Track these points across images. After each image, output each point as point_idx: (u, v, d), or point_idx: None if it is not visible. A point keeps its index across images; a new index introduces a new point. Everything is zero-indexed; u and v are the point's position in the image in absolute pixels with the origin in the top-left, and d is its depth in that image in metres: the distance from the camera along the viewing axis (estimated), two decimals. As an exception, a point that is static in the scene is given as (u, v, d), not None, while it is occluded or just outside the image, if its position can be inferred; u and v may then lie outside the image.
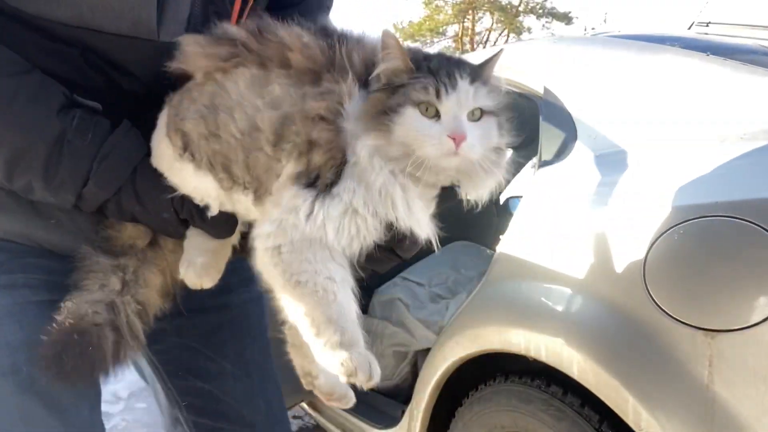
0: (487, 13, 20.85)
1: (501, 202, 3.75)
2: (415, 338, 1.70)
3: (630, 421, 0.87)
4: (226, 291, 0.84)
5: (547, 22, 20.73)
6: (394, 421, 1.63)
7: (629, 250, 0.93)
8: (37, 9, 0.64)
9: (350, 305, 0.60)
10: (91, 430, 0.74)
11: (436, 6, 20.54)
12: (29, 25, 0.65)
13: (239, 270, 0.83)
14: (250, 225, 0.70)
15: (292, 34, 0.63)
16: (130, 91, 0.72)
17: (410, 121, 0.57)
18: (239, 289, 0.89)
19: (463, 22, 20.82)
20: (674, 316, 0.84)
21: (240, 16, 0.74)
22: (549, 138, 1.23)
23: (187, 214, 0.67)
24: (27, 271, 0.72)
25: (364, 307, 2.06)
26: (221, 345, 0.86)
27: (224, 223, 0.69)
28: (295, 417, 2.64)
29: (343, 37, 0.63)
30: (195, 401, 0.86)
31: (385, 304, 1.90)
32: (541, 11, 20.47)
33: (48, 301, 0.70)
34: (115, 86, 0.71)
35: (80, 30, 0.66)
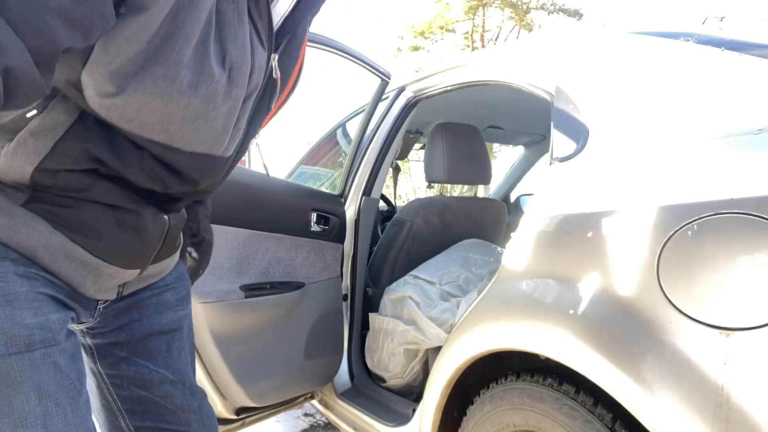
0: (498, 10, 20.75)
1: (512, 199, 3.75)
2: (426, 336, 1.71)
3: (643, 420, 0.87)
4: (168, 308, 0.96)
5: (558, 18, 20.60)
6: (406, 419, 1.63)
7: (643, 247, 0.92)
8: (130, 129, 0.69)
9: None
10: (88, 408, 0.78)
11: (447, 3, 20.48)
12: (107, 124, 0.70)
13: (178, 288, 0.97)
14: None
15: None
16: (171, 191, 0.81)
17: None
18: (176, 307, 0.98)
19: (474, 19, 20.74)
20: (688, 314, 0.84)
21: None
22: (561, 135, 1.22)
23: None
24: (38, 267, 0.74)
25: (375, 305, 2.07)
26: (154, 354, 0.95)
27: None
28: (306, 415, 2.66)
29: None
30: (137, 408, 0.94)
31: (396, 302, 1.91)
32: (551, 8, 20.34)
33: (52, 297, 0.74)
34: (159, 182, 0.78)
35: (159, 145, 0.72)
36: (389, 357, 1.84)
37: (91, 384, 0.94)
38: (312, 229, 1.89)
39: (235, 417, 1.75)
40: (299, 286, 1.80)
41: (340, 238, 2.00)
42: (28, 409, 0.67)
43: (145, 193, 0.79)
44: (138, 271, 0.86)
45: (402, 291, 1.89)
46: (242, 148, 0.85)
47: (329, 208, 1.96)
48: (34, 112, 0.68)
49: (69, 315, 0.77)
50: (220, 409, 1.69)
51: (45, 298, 0.73)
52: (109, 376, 0.93)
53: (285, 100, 0.93)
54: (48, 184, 0.71)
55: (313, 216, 1.90)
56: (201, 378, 1.60)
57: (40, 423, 0.68)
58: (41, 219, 0.72)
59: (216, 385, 1.63)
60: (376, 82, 1.99)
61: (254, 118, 0.84)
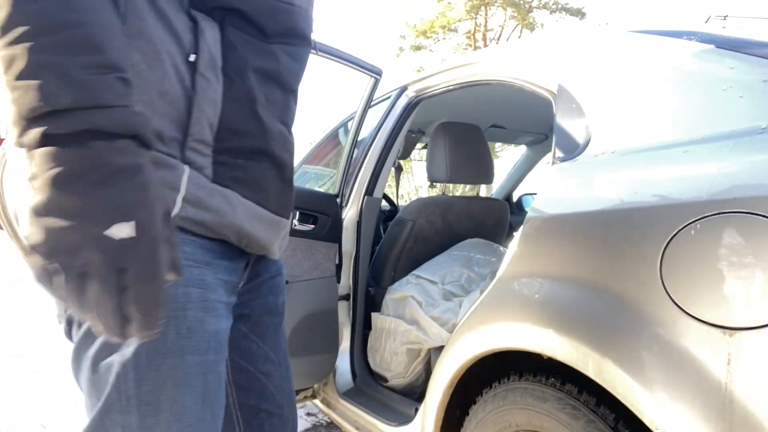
0: (500, 10, 20.73)
1: (515, 199, 3.74)
2: (428, 336, 1.71)
3: (646, 420, 0.87)
4: (280, 292, 0.96)
5: (560, 17, 20.57)
6: (408, 418, 1.63)
7: (646, 247, 0.92)
8: None
9: None
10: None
11: (449, 3, 20.47)
12: None
13: (282, 276, 0.98)
14: None
15: None
16: None
17: None
18: (283, 293, 0.99)
19: (476, 18, 20.72)
20: (692, 313, 0.83)
21: None
22: (563, 135, 1.22)
23: None
24: (219, 273, 0.75)
25: (377, 305, 2.07)
26: (266, 333, 0.94)
27: None
28: (309, 414, 2.66)
29: None
30: (244, 384, 0.93)
31: (398, 301, 1.91)
32: (554, 7, 20.32)
33: (227, 303, 0.76)
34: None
35: None
36: (391, 357, 1.84)
37: None
38: (295, 227, 1.88)
39: None
40: None
41: (333, 238, 1.98)
42: (194, 411, 0.69)
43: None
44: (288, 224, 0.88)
45: (404, 291, 1.89)
46: None
47: (316, 206, 1.95)
48: None
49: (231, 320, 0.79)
50: None
51: (225, 297, 0.75)
52: (229, 349, 0.92)
53: None
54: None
55: (295, 214, 1.90)
56: None
57: (197, 428, 0.70)
58: (230, 190, 0.73)
59: None
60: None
61: None
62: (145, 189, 0.52)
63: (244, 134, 0.74)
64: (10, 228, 1.51)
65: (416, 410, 1.58)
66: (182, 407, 0.68)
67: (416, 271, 1.99)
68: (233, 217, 0.73)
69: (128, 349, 0.65)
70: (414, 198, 2.75)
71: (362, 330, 2.11)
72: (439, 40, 20.96)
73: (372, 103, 2.08)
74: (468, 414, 1.34)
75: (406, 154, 2.99)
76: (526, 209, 3.56)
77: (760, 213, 0.78)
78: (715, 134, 0.95)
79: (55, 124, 0.48)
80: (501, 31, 21.10)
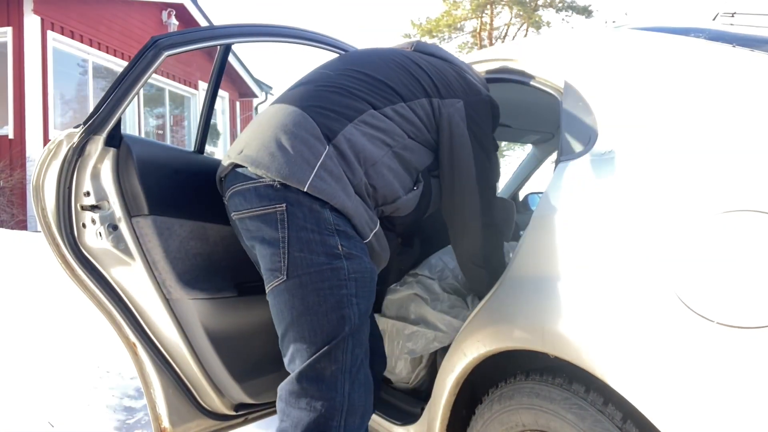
0: (506, 8, 20.68)
1: (521, 197, 3.73)
2: (440, 329, 1.67)
3: (653, 419, 0.86)
4: None
5: (566, 16, 20.50)
6: (414, 417, 1.63)
7: (652, 245, 0.92)
8: None
9: None
10: None
11: (454, 1, 20.44)
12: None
13: None
14: None
15: None
16: None
17: None
18: None
19: (482, 17, 20.68)
20: (699, 312, 0.83)
21: None
22: (570, 133, 1.21)
23: None
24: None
25: (378, 307, 2.06)
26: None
27: None
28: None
29: None
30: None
31: (401, 302, 1.88)
32: (560, 5, 20.25)
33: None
34: None
35: None
36: (395, 361, 1.83)
37: None
38: None
39: (234, 413, 1.75)
40: None
41: None
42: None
43: None
44: None
45: (406, 290, 1.87)
46: None
47: None
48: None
49: None
50: (218, 405, 1.69)
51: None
52: None
53: None
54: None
55: None
56: (197, 374, 1.61)
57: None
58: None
59: (212, 381, 1.64)
60: None
61: None
62: None
63: None
64: (48, 231, 1.53)
65: (422, 409, 1.58)
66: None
67: (414, 270, 1.97)
68: None
69: None
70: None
71: None
72: (444, 39, 20.93)
73: None
74: (474, 413, 1.34)
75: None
76: (533, 208, 3.56)
77: (766, 211, 0.78)
78: (723, 132, 0.95)
79: None
80: (507, 30, 21.05)
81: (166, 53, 1.40)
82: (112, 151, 1.42)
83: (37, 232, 6.79)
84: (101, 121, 1.38)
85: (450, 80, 1.39)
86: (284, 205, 1.15)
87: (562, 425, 1.07)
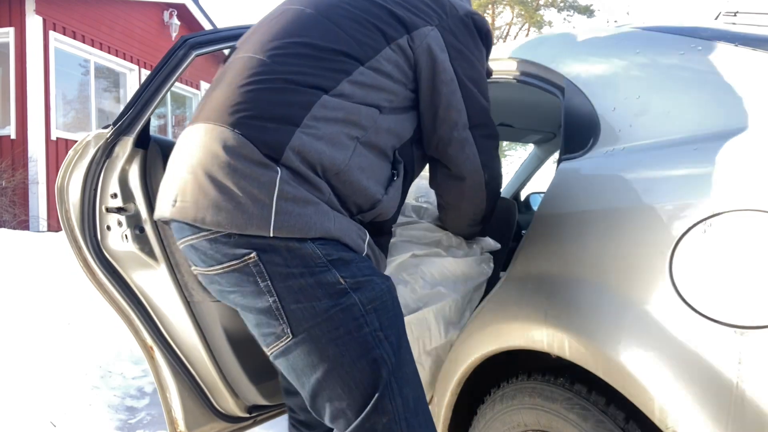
0: (507, 8, 20.67)
1: (523, 197, 3.73)
2: (475, 270, 1.45)
3: (656, 419, 0.86)
4: None
5: (568, 15, 20.48)
6: (416, 417, 1.63)
7: (655, 245, 0.91)
8: None
9: None
10: None
11: (456, 1, 20.37)
12: None
13: None
14: None
15: None
16: None
17: None
18: None
19: (484, 16, 20.65)
20: (702, 312, 0.83)
21: None
22: (572, 132, 1.21)
23: None
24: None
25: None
26: None
27: None
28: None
29: None
30: None
31: (400, 267, 1.66)
32: (562, 4, 20.24)
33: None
34: None
35: None
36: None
37: None
38: None
39: (247, 415, 1.76)
40: None
41: None
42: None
43: None
44: None
45: (399, 255, 1.61)
46: None
47: None
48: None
49: None
50: (233, 407, 1.70)
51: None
52: None
53: None
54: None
55: None
56: (213, 376, 1.61)
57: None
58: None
59: (228, 384, 1.64)
60: None
61: None
62: None
63: None
64: (71, 233, 1.51)
65: (424, 409, 1.57)
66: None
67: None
68: None
69: None
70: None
71: None
72: (446, 39, 20.88)
73: None
74: (476, 413, 1.34)
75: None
76: (534, 208, 3.55)
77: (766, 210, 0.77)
78: (726, 131, 0.94)
79: None
80: (508, 29, 21.04)
81: (196, 53, 1.38)
82: (140, 152, 1.41)
83: (39, 232, 6.79)
84: (131, 121, 1.36)
85: (414, 2, 1.10)
86: (253, 253, 0.93)
87: (565, 425, 1.07)
